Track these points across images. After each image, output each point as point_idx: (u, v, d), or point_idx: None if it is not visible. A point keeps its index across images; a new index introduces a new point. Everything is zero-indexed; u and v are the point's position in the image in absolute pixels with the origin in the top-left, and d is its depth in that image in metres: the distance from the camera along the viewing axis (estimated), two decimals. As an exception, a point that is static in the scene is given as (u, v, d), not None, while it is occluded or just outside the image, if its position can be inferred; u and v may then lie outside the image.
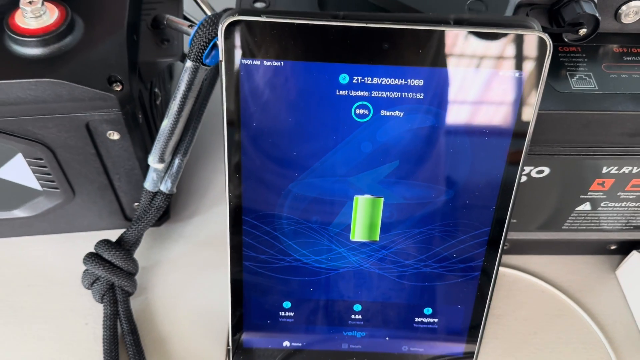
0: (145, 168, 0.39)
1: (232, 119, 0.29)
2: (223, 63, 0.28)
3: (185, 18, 0.39)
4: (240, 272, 0.34)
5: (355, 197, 0.32)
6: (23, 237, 0.43)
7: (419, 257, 0.33)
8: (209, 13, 0.39)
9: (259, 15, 0.27)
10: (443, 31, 0.27)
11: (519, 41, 0.27)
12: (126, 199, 0.41)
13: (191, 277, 0.42)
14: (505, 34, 0.27)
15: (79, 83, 0.32)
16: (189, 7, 0.42)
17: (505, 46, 0.28)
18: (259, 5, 0.40)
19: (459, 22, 0.28)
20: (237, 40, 0.27)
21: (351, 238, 0.33)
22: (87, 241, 0.42)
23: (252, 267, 0.34)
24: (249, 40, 0.27)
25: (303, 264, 0.34)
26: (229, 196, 0.32)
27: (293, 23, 0.27)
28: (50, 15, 0.32)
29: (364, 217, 0.32)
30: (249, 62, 0.28)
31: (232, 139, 0.30)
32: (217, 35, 0.32)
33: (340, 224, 0.32)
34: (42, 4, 0.32)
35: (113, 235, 0.41)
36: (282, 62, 0.28)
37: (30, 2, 0.32)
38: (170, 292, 0.41)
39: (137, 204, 0.42)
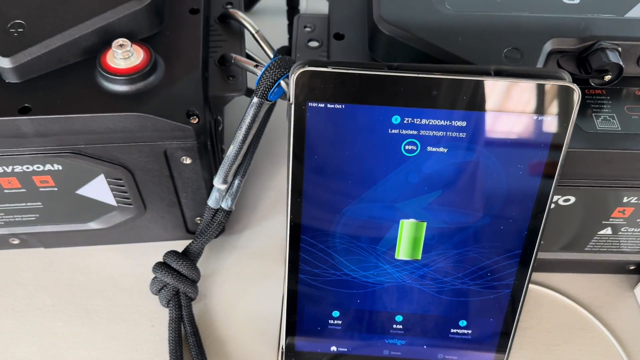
0: (209, 187, 0.43)
1: (297, 152, 0.34)
2: (292, 105, 0.32)
3: (248, 56, 0.44)
4: (296, 283, 0.38)
5: (401, 221, 0.36)
6: (95, 246, 0.48)
7: (456, 275, 0.37)
8: (269, 52, 0.44)
9: (325, 66, 0.31)
10: (484, 81, 0.31)
11: (552, 90, 0.31)
12: (189, 214, 0.46)
13: (245, 285, 0.47)
14: (540, 84, 0.31)
15: (162, 117, 0.36)
16: (248, 43, 0.47)
17: (539, 94, 0.32)
18: (312, 44, 0.44)
19: (498, 73, 0.32)
20: (306, 86, 0.32)
21: (396, 256, 0.37)
22: (152, 251, 0.47)
23: (306, 279, 0.38)
24: (316, 86, 0.32)
25: (352, 278, 0.38)
26: (290, 217, 0.36)
27: (354, 73, 0.31)
28: (137, 57, 0.37)
29: (408, 239, 0.36)
30: (314, 104, 0.32)
31: (296, 168, 0.34)
32: (281, 76, 0.37)
33: (386, 243, 0.37)
34: (131, 46, 0.37)
35: (174, 245, 0.45)
36: (343, 105, 0.32)
37: (121, 45, 0.36)
38: (227, 299, 0.46)
39: (198, 218, 0.46)
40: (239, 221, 0.51)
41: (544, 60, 0.36)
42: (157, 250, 0.46)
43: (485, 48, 0.36)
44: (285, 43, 0.59)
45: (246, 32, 0.45)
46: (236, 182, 0.43)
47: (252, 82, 0.42)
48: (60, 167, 0.39)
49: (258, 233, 0.50)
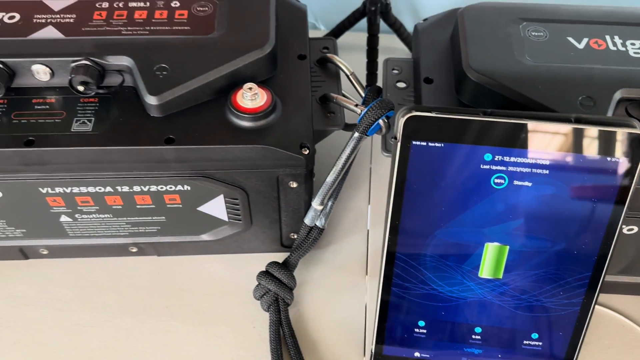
0: (306, 207, 0.49)
1: (399, 181, 0.39)
2: (399, 143, 0.38)
3: (344, 95, 0.50)
4: (388, 295, 0.44)
5: (486, 244, 0.41)
6: (202, 255, 0.54)
7: (532, 293, 0.42)
8: (360, 91, 0.50)
9: (430, 112, 0.37)
10: (566, 126, 0.37)
11: (622, 136, 0.37)
12: (286, 230, 0.52)
13: (331, 295, 0.53)
14: (613, 131, 0.37)
15: (281, 148, 0.43)
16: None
17: (612, 139, 0.37)
18: (400, 85, 0.50)
19: (578, 120, 0.37)
20: (412, 128, 0.38)
21: (479, 275, 0.42)
22: (249, 261, 0.53)
23: (398, 292, 0.44)
24: (420, 128, 0.38)
25: (438, 292, 0.43)
26: (388, 237, 0.42)
27: (454, 118, 0.37)
28: (262, 98, 0.44)
29: (491, 260, 0.42)
30: (417, 143, 0.38)
31: (397, 196, 0.40)
32: (380, 116, 0.43)
33: (472, 263, 0.42)
34: (258, 89, 0.43)
35: (268, 257, 0.52)
36: (443, 144, 0.38)
37: (250, 89, 0.43)
38: (316, 306, 0.52)
39: (293, 234, 0.53)
40: (324, 237, 0.56)
41: (614, 107, 0.41)
42: (254, 261, 0.53)
43: (562, 96, 0.41)
44: (363, 77, 0.66)
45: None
46: (329, 203, 0.50)
47: (349, 118, 0.49)
48: (189, 188, 0.46)
49: (341, 249, 0.56)
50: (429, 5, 0.74)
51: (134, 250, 0.53)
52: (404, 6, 0.73)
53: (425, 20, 0.52)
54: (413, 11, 0.74)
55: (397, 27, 0.65)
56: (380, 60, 0.65)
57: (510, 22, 0.46)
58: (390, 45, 0.71)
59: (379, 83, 0.66)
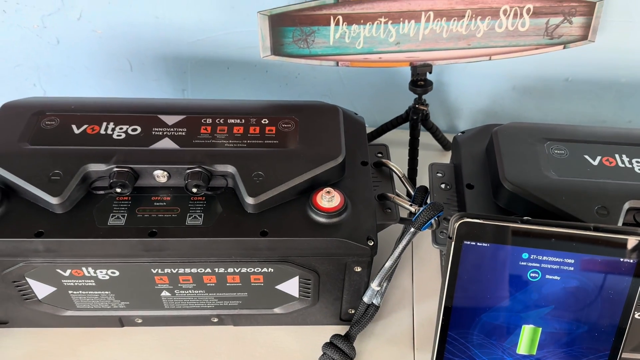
0: (365, 287, 0.58)
1: (452, 275, 0.49)
2: (453, 243, 0.48)
3: (398, 194, 0.60)
4: (440, 368, 0.52)
5: (523, 326, 0.50)
6: (270, 326, 0.63)
7: (561, 368, 0.51)
8: (411, 190, 0.60)
9: (479, 219, 0.47)
10: (587, 233, 0.46)
11: (633, 242, 0.46)
12: (345, 307, 0.61)
13: (384, 365, 0.61)
14: (625, 238, 0.46)
15: (352, 241, 0.53)
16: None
17: (624, 244, 0.46)
18: (443, 186, 0.61)
19: (597, 229, 0.47)
20: (464, 231, 0.47)
21: (517, 351, 0.51)
22: (311, 332, 0.62)
23: (448, 365, 0.52)
24: (471, 231, 0.47)
25: (482, 365, 0.52)
26: (442, 319, 0.51)
27: (498, 224, 0.47)
28: (337, 200, 0.54)
29: (527, 339, 0.50)
30: (468, 243, 0.48)
31: (450, 285, 0.49)
32: (433, 216, 0.53)
33: (511, 341, 0.51)
34: (334, 192, 0.54)
35: (329, 329, 0.60)
36: (489, 244, 0.48)
37: (328, 192, 0.53)
38: (372, 375, 0.60)
39: (351, 310, 0.61)
40: (375, 312, 0.65)
41: (623, 215, 0.51)
42: (315, 332, 0.61)
43: (582, 206, 0.51)
44: (405, 169, 0.76)
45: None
46: (385, 284, 0.59)
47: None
48: (272, 270, 0.55)
49: (389, 323, 0.64)
50: (458, 108, 0.86)
51: (215, 320, 0.62)
52: (438, 111, 0.85)
53: (463, 132, 0.64)
54: (446, 114, 0.86)
55: (434, 130, 0.77)
56: (420, 158, 0.75)
57: (536, 141, 0.57)
58: (425, 141, 0.82)
59: (419, 175, 0.77)
